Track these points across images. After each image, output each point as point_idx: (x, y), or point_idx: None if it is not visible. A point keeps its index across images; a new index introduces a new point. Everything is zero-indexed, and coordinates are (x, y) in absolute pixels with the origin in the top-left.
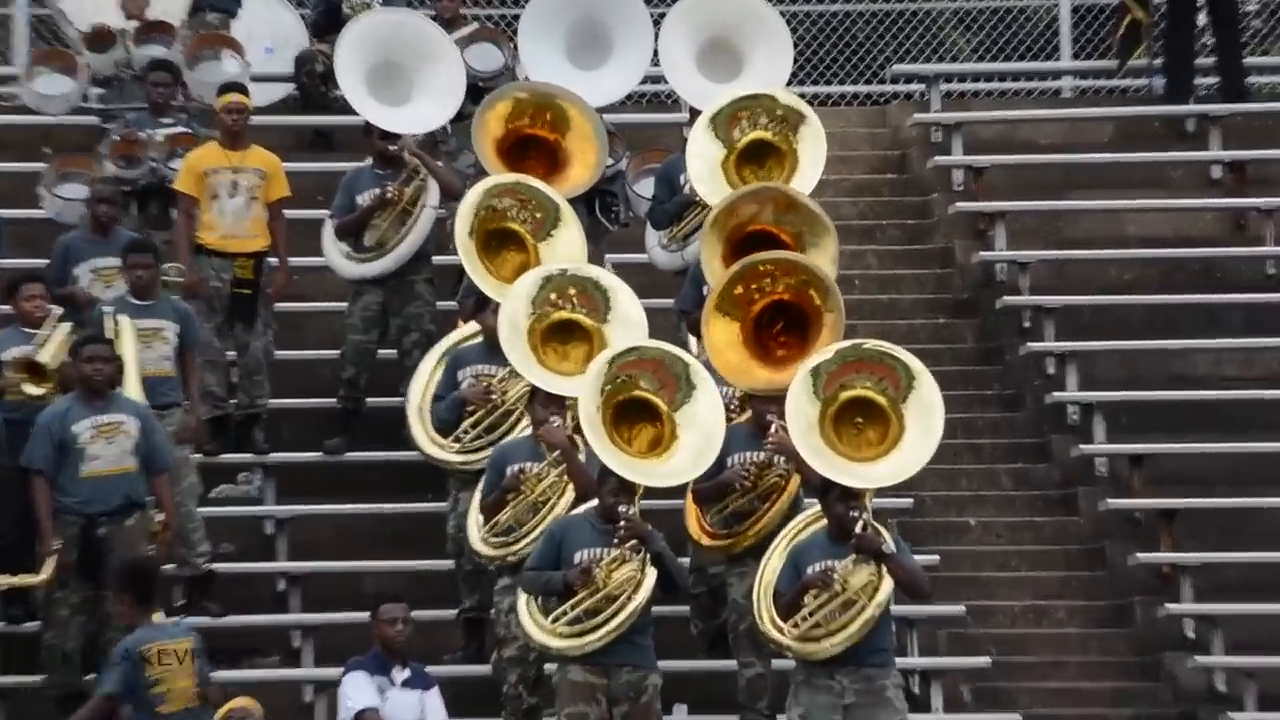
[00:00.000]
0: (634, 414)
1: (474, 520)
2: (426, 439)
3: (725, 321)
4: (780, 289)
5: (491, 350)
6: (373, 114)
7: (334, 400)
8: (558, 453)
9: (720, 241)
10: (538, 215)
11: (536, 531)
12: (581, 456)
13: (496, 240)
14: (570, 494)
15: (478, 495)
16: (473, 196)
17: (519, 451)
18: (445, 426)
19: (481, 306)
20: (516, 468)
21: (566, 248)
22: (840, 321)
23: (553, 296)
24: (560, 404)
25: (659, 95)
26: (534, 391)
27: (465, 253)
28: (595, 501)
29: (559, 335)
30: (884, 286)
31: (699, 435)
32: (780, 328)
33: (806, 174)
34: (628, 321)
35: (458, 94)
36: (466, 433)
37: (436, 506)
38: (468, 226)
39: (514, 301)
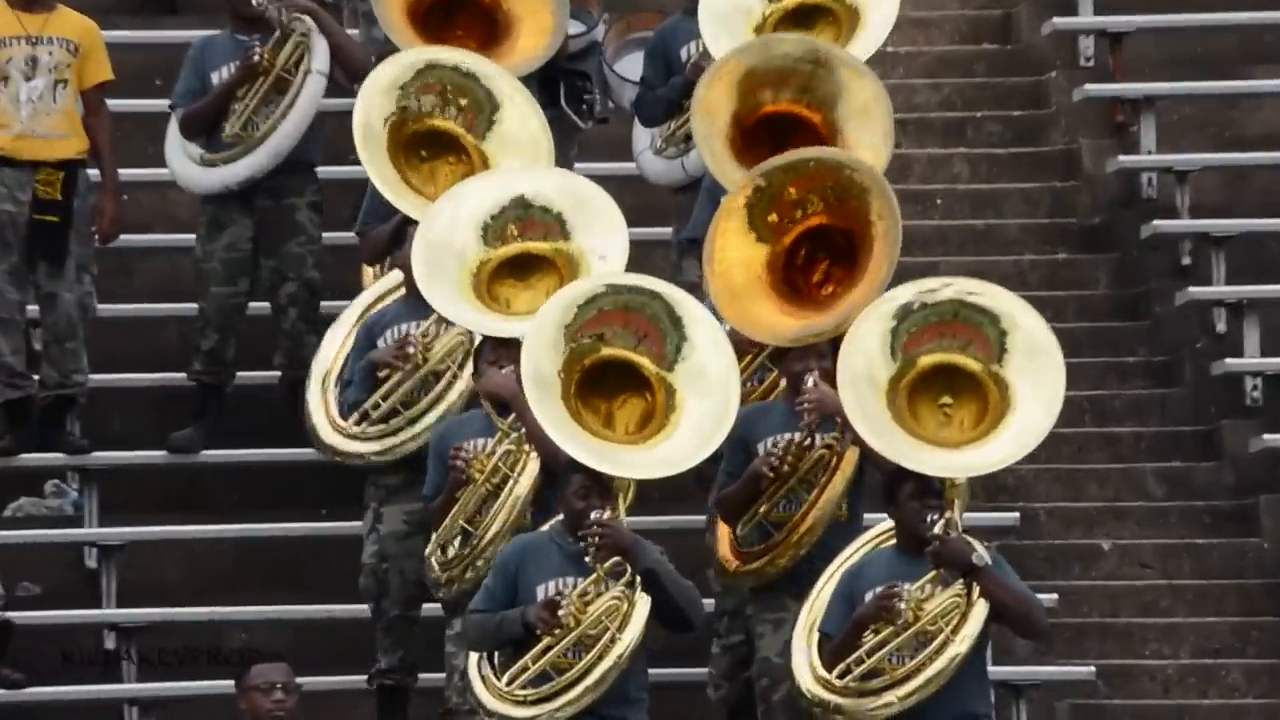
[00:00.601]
0: (610, 384)
1: (435, 536)
2: (326, 424)
3: (749, 242)
4: (815, 208)
5: (419, 302)
6: None
7: (184, 376)
8: (512, 416)
9: (726, 117)
10: (462, 102)
11: (496, 529)
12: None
13: (422, 147)
14: (533, 466)
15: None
16: (372, 90)
17: (469, 428)
18: (355, 411)
19: (400, 237)
20: (456, 447)
21: (517, 132)
22: (895, 230)
23: (495, 237)
24: (513, 355)
25: None
26: (479, 349)
27: (371, 160)
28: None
29: (513, 271)
30: (979, 206)
31: (707, 399)
32: (823, 271)
33: (866, 40)
34: (598, 230)
35: None
36: (376, 406)
37: (334, 527)
38: (372, 125)
39: (445, 226)
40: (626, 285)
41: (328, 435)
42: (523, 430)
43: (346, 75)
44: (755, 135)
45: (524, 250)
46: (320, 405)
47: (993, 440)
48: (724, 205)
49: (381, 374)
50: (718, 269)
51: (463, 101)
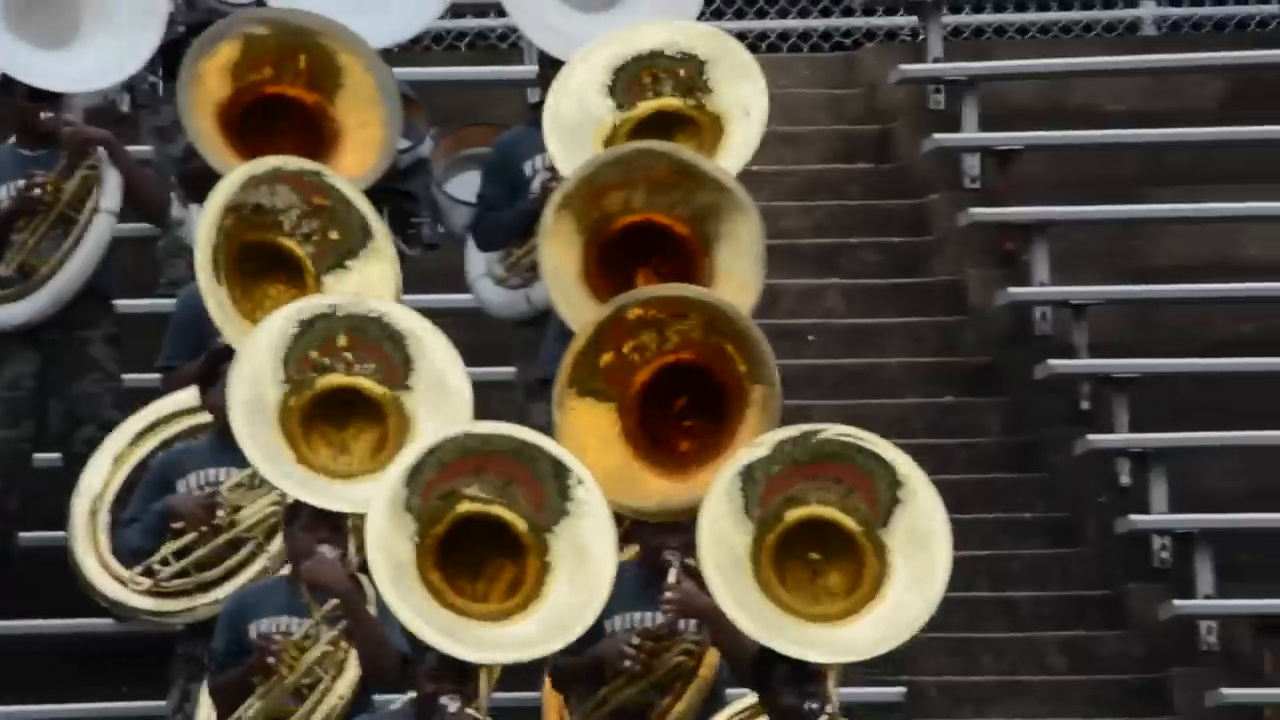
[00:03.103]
0: (477, 547)
1: (205, 714)
2: (98, 567)
3: (590, 404)
4: (672, 345)
5: (229, 446)
6: (12, 61)
7: None
8: (332, 603)
9: (578, 241)
10: (332, 234)
11: None
12: (372, 609)
13: (255, 263)
14: (353, 672)
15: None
16: (230, 184)
17: (269, 602)
18: (138, 560)
19: (212, 374)
20: (263, 627)
21: (368, 291)
22: (775, 395)
23: (313, 354)
24: (335, 525)
25: (487, 35)
26: (293, 508)
27: (205, 274)
28: (408, 695)
29: (331, 413)
30: (855, 343)
31: (578, 578)
32: (682, 408)
33: (732, 154)
34: (442, 386)
35: (157, 26)
36: (167, 563)
37: (137, 708)
38: (213, 231)
39: (253, 359)
40: (481, 433)
41: (97, 579)
42: (341, 625)
43: (141, 213)
44: (612, 260)
45: (349, 385)
46: (89, 542)
47: (869, 615)
48: (564, 361)
49: (175, 525)
50: (568, 430)
51: (333, 235)
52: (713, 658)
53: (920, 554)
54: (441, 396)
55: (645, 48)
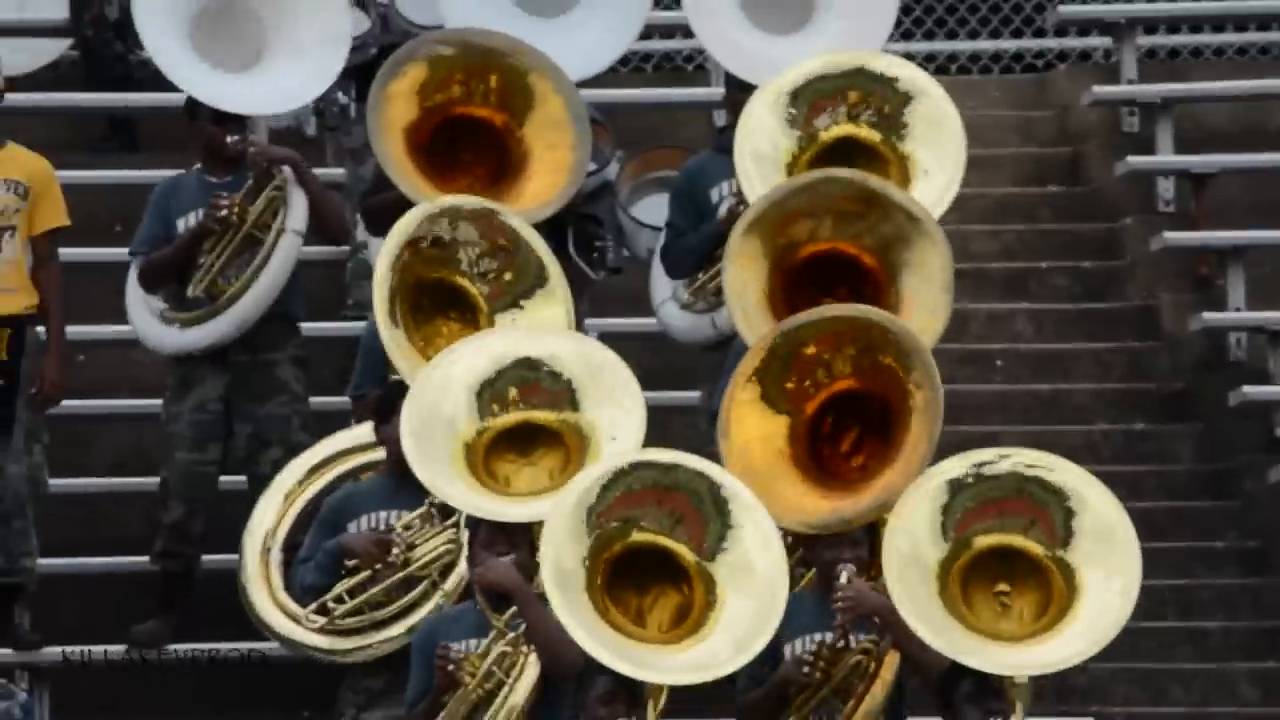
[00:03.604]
0: (642, 573)
1: None
2: (269, 602)
3: (765, 414)
4: (842, 371)
5: (403, 486)
6: (200, 86)
7: (147, 560)
8: (510, 610)
9: (764, 266)
10: (507, 276)
11: None
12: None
13: (430, 299)
14: (532, 672)
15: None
16: (410, 220)
17: (458, 627)
18: (311, 598)
19: (390, 407)
20: (444, 645)
21: (544, 318)
22: (936, 402)
23: (494, 405)
24: (513, 541)
25: (674, 58)
26: (474, 531)
27: (381, 310)
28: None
29: (513, 444)
30: (1043, 368)
31: (751, 597)
32: (851, 441)
33: (925, 188)
34: (614, 401)
35: (343, 49)
36: (341, 601)
37: None
38: (391, 266)
39: (437, 394)
40: (661, 463)
41: (272, 618)
42: (520, 629)
43: (322, 234)
44: (797, 287)
45: (526, 420)
46: (261, 579)
47: (1059, 634)
48: (737, 372)
49: (349, 563)
50: (734, 446)
51: (508, 275)
52: (893, 659)
53: (1109, 551)
54: (621, 412)
55: (849, 66)
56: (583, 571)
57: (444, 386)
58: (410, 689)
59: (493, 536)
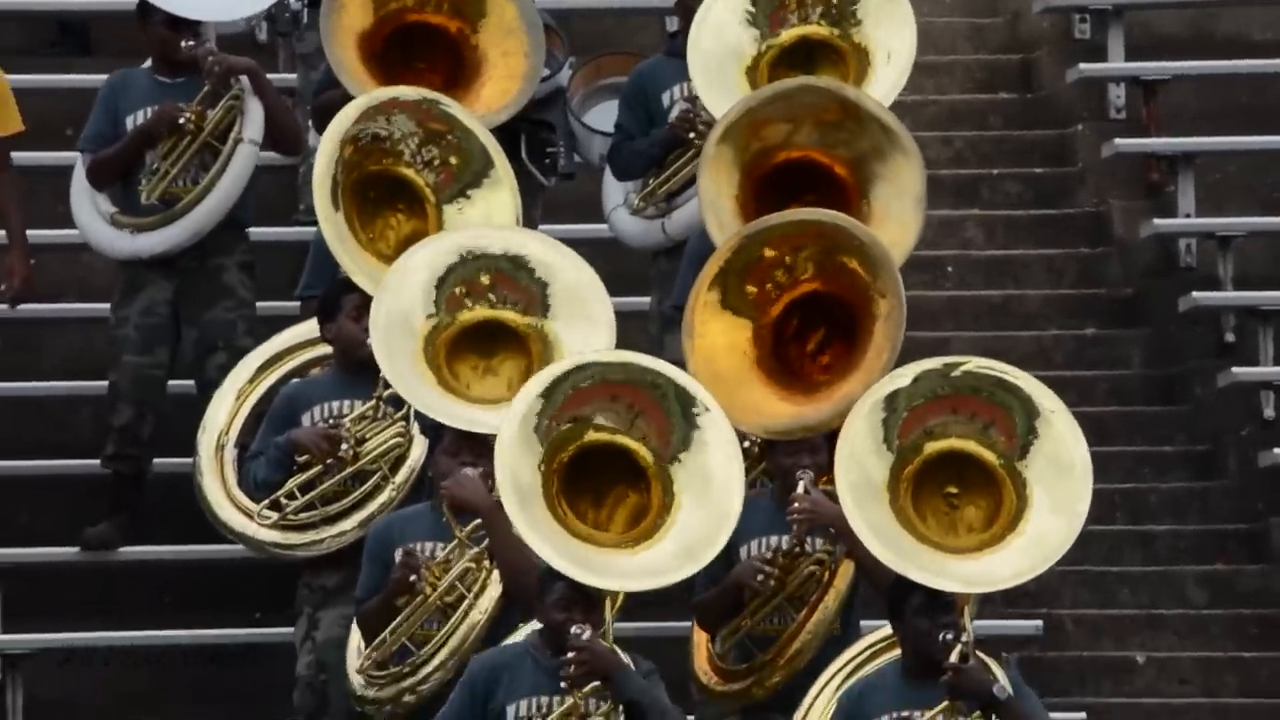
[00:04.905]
0: (600, 473)
1: (355, 644)
2: (224, 498)
3: (727, 321)
4: (805, 274)
5: (351, 379)
6: None
7: (96, 463)
8: (474, 523)
9: (736, 174)
10: (452, 160)
11: (444, 656)
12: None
13: (376, 192)
14: (494, 589)
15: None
16: (347, 115)
17: (415, 527)
18: (264, 493)
19: (333, 306)
20: (409, 550)
21: (487, 220)
22: (899, 307)
23: (458, 291)
24: (479, 450)
25: None
26: (436, 435)
27: (323, 206)
28: (529, 626)
29: (476, 344)
30: (996, 275)
31: (705, 505)
32: (817, 341)
33: (881, 87)
34: (585, 314)
35: None
36: (293, 496)
37: (269, 634)
38: (331, 163)
39: (400, 291)
40: (612, 361)
41: (226, 514)
42: (484, 544)
43: (277, 145)
44: (768, 195)
45: (493, 318)
46: (215, 478)
47: (1007, 546)
48: (699, 279)
49: (300, 458)
50: (698, 348)
51: (454, 160)
52: (847, 569)
53: (1061, 482)
54: (587, 324)
55: None
56: (539, 479)
57: (405, 283)
58: (360, 586)
59: (458, 445)
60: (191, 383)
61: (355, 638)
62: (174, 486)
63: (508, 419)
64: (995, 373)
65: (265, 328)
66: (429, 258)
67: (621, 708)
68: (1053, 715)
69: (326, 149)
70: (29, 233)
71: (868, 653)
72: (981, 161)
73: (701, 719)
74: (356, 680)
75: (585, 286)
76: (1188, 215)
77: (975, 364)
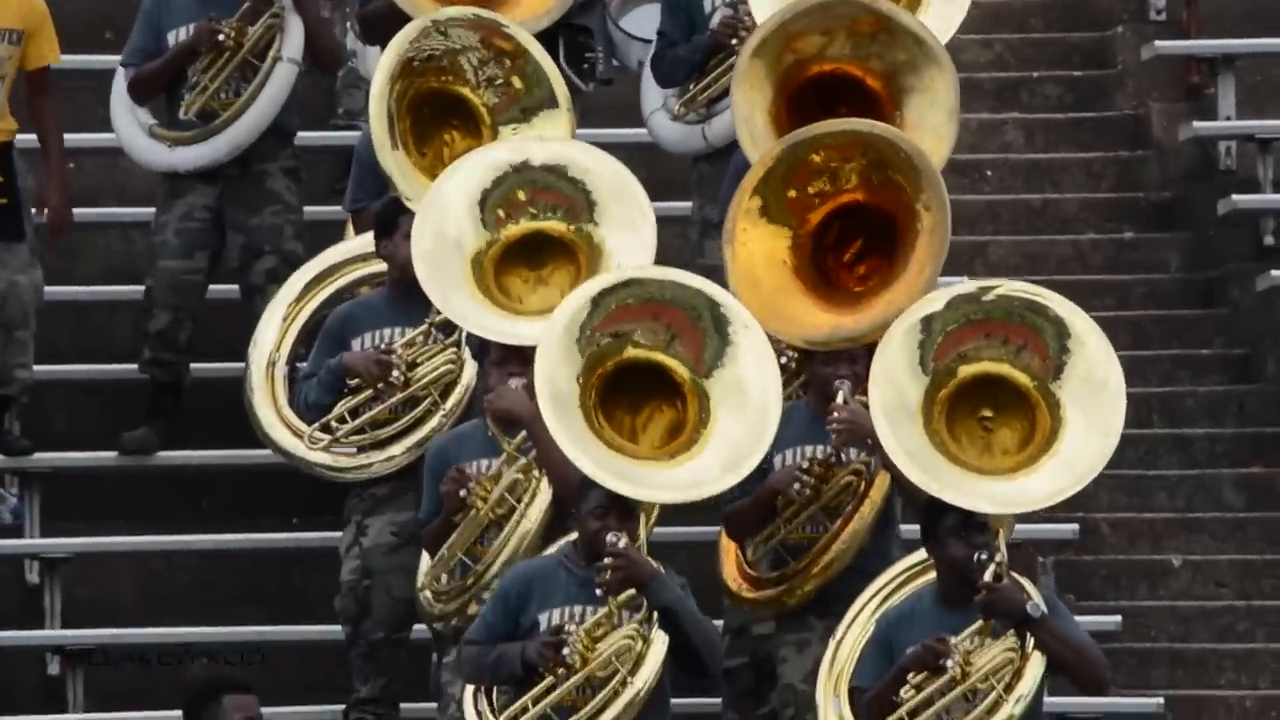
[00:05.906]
0: (636, 389)
1: (425, 564)
2: (275, 418)
3: (766, 230)
4: (849, 184)
5: (405, 302)
6: None
7: (135, 368)
8: (521, 434)
9: (770, 88)
10: (515, 84)
11: (498, 568)
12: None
13: (432, 109)
14: (543, 498)
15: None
16: (405, 35)
17: (469, 445)
18: (315, 414)
19: (390, 222)
20: (459, 468)
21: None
22: (944, 222)
23: (500, 213)
24: (527, 361)
25: None
26: (483, 349)
27: (379, 127)
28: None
29: (524, 257)
30: (1033, 179)
31: (743, 417)
32: (854, 251)
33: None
34: (628, 219)
35: None
36: (343, 420)
37: (307, 539)
38: (388, 84)
39: (444, 214)
40: (656, 279)
41: (278, 434)
42: (532, 454)
43: (318, 64)
44: (802, 108)
45: (537, 230)
46: (266, 396)
47: (1042, 467)
48: (742, 185)
49: (351, 382)
50: (739, 256)
51: (516, 85)
52: (883, 480)
53: (1095, 401)
54: (632, 232)
55: None
56: (576, 390)
57: (446, 202)
58: (422, 509)
59: (504, 355)
60: (235, 287)
61: (426, 558)
62: (215, 391)
63: (549, 327)
64: (1027, 295)
65: (309, 232)
66: (466, 177)
67: (657, 617)
68: (1089, 619)
69: (384, 69)
70: (68, 136)
71: (904, 576)
72: (1021, 64)
73: (730, 623)
74: (424, 596)
75: (627, 190)
76: (1228, 118)
77: (1007, 287)
